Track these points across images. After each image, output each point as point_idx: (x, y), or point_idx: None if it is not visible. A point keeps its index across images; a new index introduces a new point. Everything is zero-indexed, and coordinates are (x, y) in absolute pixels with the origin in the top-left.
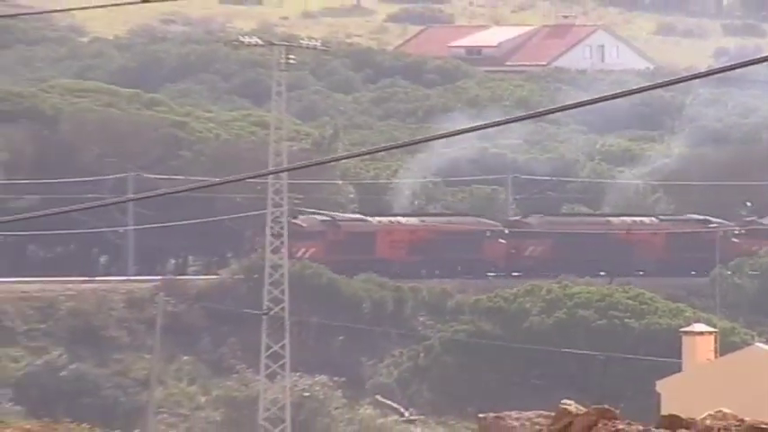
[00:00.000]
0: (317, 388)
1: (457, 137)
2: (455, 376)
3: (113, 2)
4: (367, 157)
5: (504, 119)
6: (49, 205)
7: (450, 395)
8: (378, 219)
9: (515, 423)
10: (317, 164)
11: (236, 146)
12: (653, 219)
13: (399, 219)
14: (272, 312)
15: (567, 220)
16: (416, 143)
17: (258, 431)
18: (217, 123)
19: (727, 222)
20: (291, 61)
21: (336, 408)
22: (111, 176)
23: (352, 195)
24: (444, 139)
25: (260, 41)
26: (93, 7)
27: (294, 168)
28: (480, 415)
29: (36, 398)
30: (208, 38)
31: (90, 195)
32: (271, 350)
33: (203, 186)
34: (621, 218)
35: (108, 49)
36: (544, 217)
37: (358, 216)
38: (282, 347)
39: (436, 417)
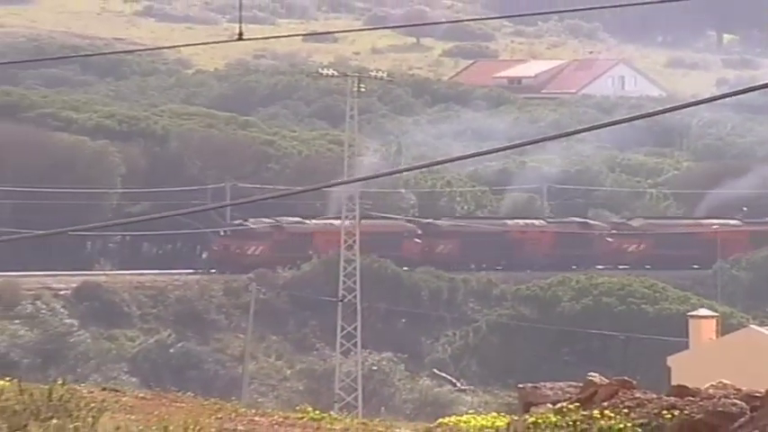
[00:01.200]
0: (384, 362)
1: (501, 152)
2: (499, 353)
3: (213, 40)
4: (425, 169)
5: (539, 137)
6: (159, 210)
7: (495, 368)
8: (314, 221)
9: (549, 392)
10: (383, 175)
11: (316, 160)
12: (542, 221)
13: (332, 221)
14: (345, 299)
15: (471, 222)
16: (466, 158)
17: (334, 398)
18: (300, 141)
19: (602, 224)
20: (362, 89)
21: (400, 379)
22: (211, 186)
23: (412, 201)
24: (491, 154)
25: (336, 73)
26: (197, 44)
27: (364, 179)
28: (520, 385)
29: (148, 371)
30: (292, 70)
31: (194, 201)
32: (345, 331)
33: (288, 194)
34: (515, 220)
35: (209, 80)
36: (451, 220)
37: (297, 219)
38: (354, 329)
39: (483, 387)
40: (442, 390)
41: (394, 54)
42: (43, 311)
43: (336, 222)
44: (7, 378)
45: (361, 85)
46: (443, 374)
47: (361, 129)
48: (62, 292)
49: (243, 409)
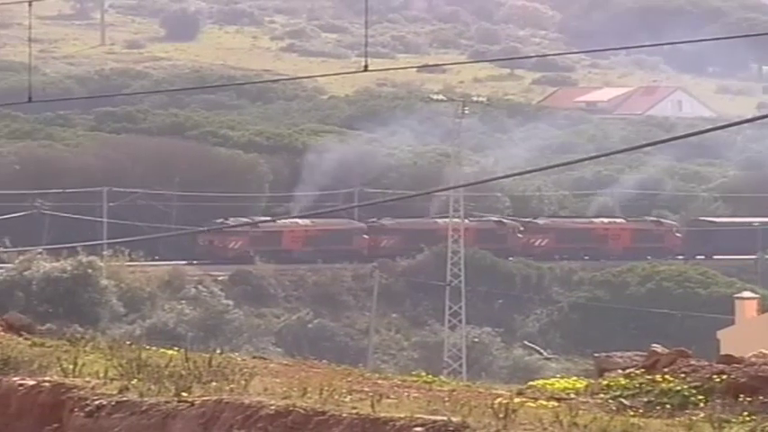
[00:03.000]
0: (484, 336)
1: (580, 163)
2: (578, 328)
3: (344, 71)
4: (518, 177)
5: (612, 150)
6: (299, 211)
7: (575, 341)
8: (283, 220)
9: (620, 360)
10: (483, 182)
11: (428, 169)
12: (466, 220)
13: (297, 220)
14: (452, 284)
15: (408, 221)
16: (551, 168)
17: (443, 365)
18: (415, 154)
19: (514, 222)
20: (466, 112)
21: (497, 349)
22: (342, 191)
23: (507, 203)
24: (572, 164)
25: (444, 98)
26: (330, 75)
27: (468, 185)
28: (596, 354)
29: (290, 343)
30: (409, 96)
31: (327, 204)
32: (451, 310)
33: (405, 197)
34: (444, 219)
35: (340, 104)
36: (393, 219)
37: (268, 218)
38: (460, 308)
39: (565, 356)
40: (532, 358)
41: (492, 82)
42: (204, 294)
43: (300, 221)
44: (175, 348)
45: (465, 108)
46: (533, 345)
47: (465, 144)
48: (220, 278)
49: (368, 374)
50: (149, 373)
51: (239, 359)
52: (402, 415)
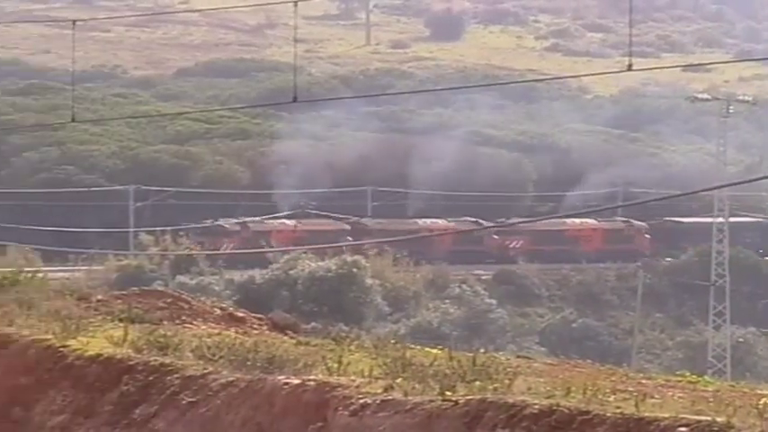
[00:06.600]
0: (749, 336)
1: None
2: None
3: (608, 70)
4: None
5: None
6: (563, 210)
7: None
8: (272, 221)
9: None
10: (748, 181)
11: (690, 168)
12: (444, 221)
13: (285, 221)
14: (717, 283)
15: (389, 221)
16: None
17: (707, 365)
18: (679, 154)
19: (488, 223)
20: (731, 111)
21: (761, 349)
22: (602, 190)
23: None
24: None
25: (709, 97)
26: (595, 74)
27: (732, 185)
28: None
29: (554, 342)
30: (673, 95)
31: (590, 204)
32: (716, 310)
33: (669, 197)
34: (425, 220)
35: (604, 103)
36: (373, 219)
37: (258, 219)
38: (724, 308)
39: None
40: None
41: (758, 81)
42: (468, 293)
43: (288, 222)
44: (439, 347)
45: (731, 108)
46: None
47: (730, 143)
48: (483, 278)
49: (632, 374)
50: (414, 372)
51: (503, 358)
52: (666, 415)
